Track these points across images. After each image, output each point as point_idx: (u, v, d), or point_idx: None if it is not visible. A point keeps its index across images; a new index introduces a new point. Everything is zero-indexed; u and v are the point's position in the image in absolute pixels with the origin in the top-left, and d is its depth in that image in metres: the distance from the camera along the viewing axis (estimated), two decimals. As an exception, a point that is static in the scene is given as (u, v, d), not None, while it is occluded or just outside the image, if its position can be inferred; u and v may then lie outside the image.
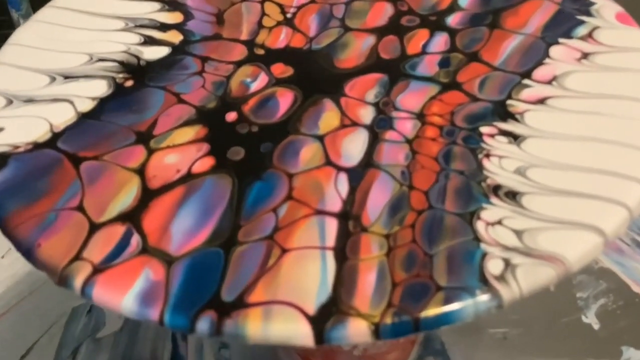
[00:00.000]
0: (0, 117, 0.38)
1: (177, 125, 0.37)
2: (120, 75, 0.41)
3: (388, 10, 0.45)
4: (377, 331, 0.28)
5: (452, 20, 0.44)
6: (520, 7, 0.44)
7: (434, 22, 0.44)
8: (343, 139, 0.36)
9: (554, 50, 0.41)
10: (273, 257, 0.30)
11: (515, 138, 0.35)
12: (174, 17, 0.46)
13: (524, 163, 0.34)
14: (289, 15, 0.45)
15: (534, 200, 0.32)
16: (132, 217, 0.33)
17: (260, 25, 0.44)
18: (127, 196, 0.34)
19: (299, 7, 0.46)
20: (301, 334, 0.28)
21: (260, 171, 0.34)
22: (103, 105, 0.39)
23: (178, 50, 0.43)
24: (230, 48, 0.43)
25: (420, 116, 0.37)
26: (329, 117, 0.37)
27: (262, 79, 0.40)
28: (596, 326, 0.56)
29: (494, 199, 0.32)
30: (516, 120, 0.36)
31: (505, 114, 0.37)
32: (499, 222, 0.31)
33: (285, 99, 0.39)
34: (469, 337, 0.56)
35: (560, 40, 0.41)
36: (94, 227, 0.32)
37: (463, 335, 0.56)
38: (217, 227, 0.32)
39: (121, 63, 0.42)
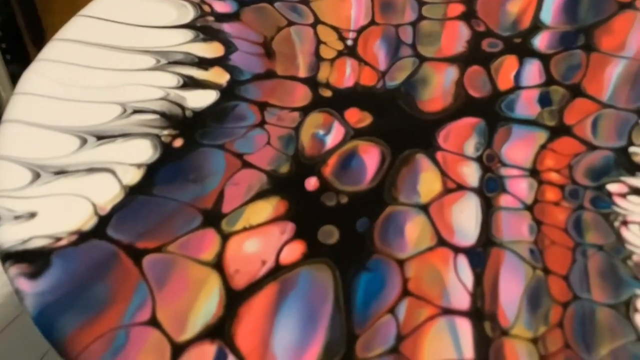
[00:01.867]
0: (29, 198, 0.32)
1: (249, 198, 0.31)
2: (166, 132, 0.34)
3: (463, 31, 0.39)
4: None
5: (540, 42, 0.38)
6: (613, 23, 0.39)
7: (520, 46, 0.38)
8: (451, 208, 0.31)
9: (665, 78, 0.36)
10: (406, 379, 0.25)
11: (651, 198, 0.31)
12: (214, 49, 0.39)
13: (671, 232, 0.29)
14: (349, 42, 0.39)
15: (694, 282, 0.28)
16: (221, 332, 0.27)
17: (318, 57, 0.38)
18: (209, 302, 0.28)
19: (359, 31, 0.40)
20: None
21: (363, 258, 0.29)
22: (152, 174, 0.33)
23: (228, 95, 0.36)
24: (290, 89, 0.36)
25: (534, 172, 0.32)
26: (428, 180, 0.32)
27: (338, 131, 0.34)
28: None
29: (647, 283, 0.28)
30: (646, 173, 0.32)
31: (632, 166, 0.32)
32: (662, 315, 0.27)
33: (370, 158, 0.33)
34: None
35: (670, 64, 0.37)
36: (177, 349, 0.26)
37: None
38: (329, 338, 0.27)
39: (163, 115, 0.35)
